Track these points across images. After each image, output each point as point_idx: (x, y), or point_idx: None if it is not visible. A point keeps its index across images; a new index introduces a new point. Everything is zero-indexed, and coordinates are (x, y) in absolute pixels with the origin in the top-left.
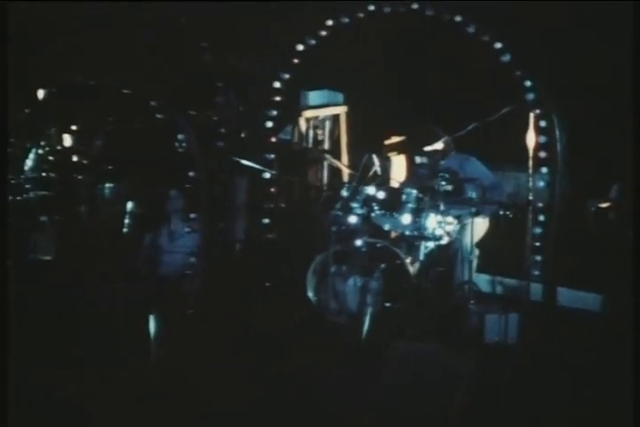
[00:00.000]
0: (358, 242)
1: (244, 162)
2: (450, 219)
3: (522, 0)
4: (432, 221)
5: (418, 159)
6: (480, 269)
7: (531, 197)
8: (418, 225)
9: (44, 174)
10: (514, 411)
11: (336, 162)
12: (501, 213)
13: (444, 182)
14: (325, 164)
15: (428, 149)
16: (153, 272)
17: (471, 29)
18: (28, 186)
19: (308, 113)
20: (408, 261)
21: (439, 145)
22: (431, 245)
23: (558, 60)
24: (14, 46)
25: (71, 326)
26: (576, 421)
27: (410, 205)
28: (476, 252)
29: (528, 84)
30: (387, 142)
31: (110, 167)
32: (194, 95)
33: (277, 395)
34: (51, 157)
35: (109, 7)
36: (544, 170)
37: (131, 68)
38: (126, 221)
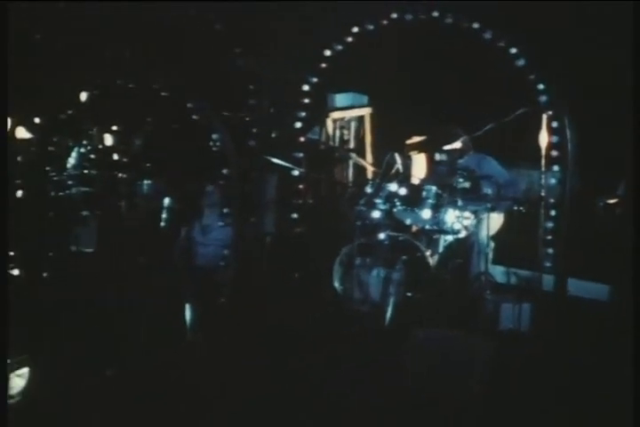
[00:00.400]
0: (381, 235)
1: (275, 160)
2: (467, 214)
3: (536, 7)
4: (450, 216)
5: (437, 158)
6: (495, 261)
7: (543, 194)
8: (437, 220)
9: (86, 172)
10: (526, 394)
11: (361, 160)
12: (515, 208)
13: (461, 180)
14: (351, 162)
15: (447, 148)
16: (188, 263)
17: (487, 36)
18: (70, 182)
19: (335, 114)
20: (428, 253)
21: (457, 144)
22: (450, 238)
23: (570, 64)
24: (57, 50)
25: (110, 314)
26: (583, 402)
27: (430, 201)
28: (492, 245)
29: (541, 87)
30: (408, 142)
31: (149, 165)
32: (228, 97)
33: (305, 379)
34: (92, 156)
35: (151, 14)
36: (555, 168)
37: (168, 72)
38: (163, 215)
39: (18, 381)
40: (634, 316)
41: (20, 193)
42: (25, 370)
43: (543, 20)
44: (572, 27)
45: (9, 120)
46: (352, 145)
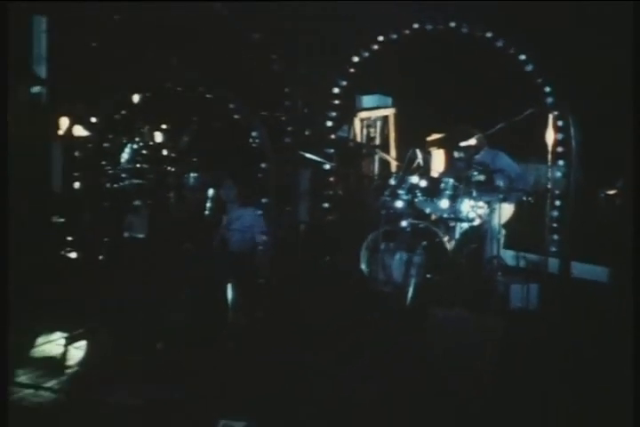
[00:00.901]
0: (404, 223)
1: (308, 155)
2: (481, 204)
3: (543, 19)
4: (466, 206)
5: (455, 153)
6: (506, 246)
7: (549, 186)
8: (454, 209)
9: (138, 166)
10: (533, 365)
11: (385, 155)
12: (524, 199)
13: (476, 173)
14: (376, 157)
15: (463, 144)
16: (230, 248)
17: (499, 44)
18: (124, 175)
19: (362, 114)
20: (446, 239)
21: (473, 141)
22: (465, 225)
23: (573, 68)
24: (113, 56)
25: (158, 293)
26: (585, 372)
27: (447, 192)
28: (503, 231)
29: (547, 89)
30: (428, 139)
31: (194, 160)
32: (265, 99)
33: (335, 351)
34: (144, 151)
35: (197, 26)
36: (561, 162)
37: (212, 77)
38: (207, 205)
39: (76, 352)
40: (632, 295)
41: (77, 185)
42: (82, 343)
43: (549, 29)
44: (576, 35)
45: (67, 119)
46: (377, 142)
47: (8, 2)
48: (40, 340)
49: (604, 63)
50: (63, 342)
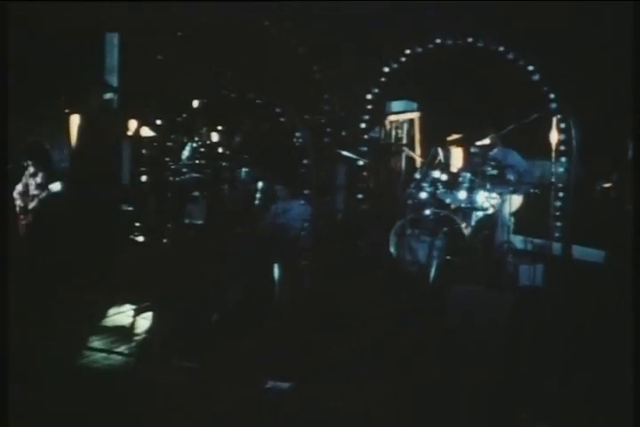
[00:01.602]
0: (427, 212)
1: (344, 153)
2: (494, 195)
3: (549, 35)
4: (481, 197)
5: (472, 151)
6: (515, 232)
7: (553, 180)
8: (470, 199)
9: (197, 162)
10: (540, 333)
11: (411, 153)
12: (532, 191)
13: (490, 168)
14: (403, 154)
15: (479, 143)
16: (277, 233)
17: (510, 56)
18: (185, 170)
19: (391, 117)
20: (463, 226)
21: (487, 141)
22: (480, 214)
23: (575, 78)
24: (176, 66)
25: (215, 273)
26: (585, 339)
27: (465, 185)
28: (513, 219)
29: (552, 96)
30: (448, 139)
31: (246, 156)
32: (308, 104)
33: (368, 319)
34: (202, 149)
35: (247, 40)
36: (563, 159)
37: (261, 84)
38: (257, 195)
39: (143, 322)
40: (630, 275)
41: (144, 178)
42: (148, 313)
43: (554, 44)
44: (576, 50)
45: (135, 122)
46: (404, 141)
47: (8, 2)
48: (112, 311)
49: (603, 73)
50: (132, 313)
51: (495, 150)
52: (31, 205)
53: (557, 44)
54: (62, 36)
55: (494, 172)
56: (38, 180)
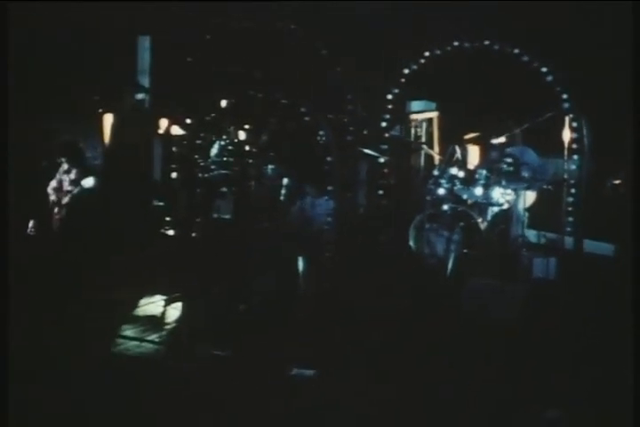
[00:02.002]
0: (445, 207)
1: (366, 151)
2: (509, 191)
3: (563, 38)
4: (496, 193)
5: (489, 148)
6: (529, 226)
7: (566, 176)
8: (486, 195)
9: (225, 159)
10: (552, 321)
11: (430, 151)
12: (545, 187)
13: (505, 166)
14: (422, 152)
15: (495, 141)
16: (301, 228)
17: (525, 58)
18: (213, 167)
19: (411, 116)
20: (480, 220)
21: (503, 139)
22: (496, 209)
23: (587, 79)
24: (205, 70)
25: (243, 264)
26: (592, 324)
27: (481, 182)
28: (527, 214)
29: (565, 96)
30: (465, 137)
31: (272, 154)
32: (331, 104)
33: (383, 310)
34: (230, 147)
35: (274, 44)
36: (575, 157)
37: (287, 86)
38: (283, 191)
39: (173, 312)
40: (632, 267)
41: (174, 175)
42: (178, 304)
43: (567, 47)
44: (589, 52)
45: (166, 121)
46: (423, 139)
47: (8, 2)
48: (143, 301)
49: (614, 73)
50: (162, 303)
51: (513, 148)
52: (64, 201)
53: (570, 48)
54: (97, 40)
55: (511, 168)
56: (72, 176)
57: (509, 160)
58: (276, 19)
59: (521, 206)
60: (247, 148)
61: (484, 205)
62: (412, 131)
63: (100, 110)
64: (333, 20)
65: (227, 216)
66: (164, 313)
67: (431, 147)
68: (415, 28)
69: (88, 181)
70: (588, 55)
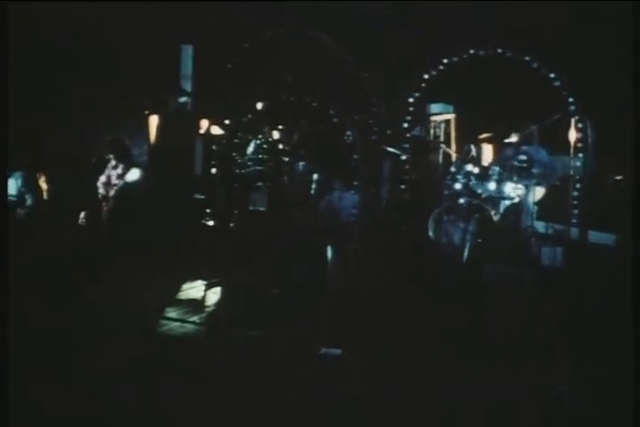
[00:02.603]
0: (461, 200)
1: (389, 149)
2: (520, 186)
3: (570, 46)
4: (509, 188)
5: (503, 147)
6: (538, 218)
7: (572, 173)
8: (499, 190)
9: (260, 156)
10: (559, 305)
11: (447, 149)
12: (553, 182)
13: (517, 162)
14: (441, 151)
15: (508, 140)
16: (330, 219)
17: (535, 65)
18: (249, 164)
19: (430, 118)
20: (493, 213)
21: (515, 138)
22: (508, 203)
23: (591, 84)
24: (244, 74)
25: (278, 252)
26: (595, 307)
27: (494, 177)
28: (536, 207)
29: (571, 100)
30: (480, 137)
31: (303, 152)
32: (357, 106)
33: (404, 294)
34: (265, 146)
35: (309, 51)
36: (580, 155)
37: (317, 89)
38: (313, 186)
39: (212, 296)
40: (632, 256)
41: (214, 171)
42: (217, 288)
43: (574, 55)
44: (592, 53)
45: (206, 122)
46: (442, 139)
47: (8, 2)
48: (186, 286)
49: (614, 75)
50: (203, 287)
51: (527, 147)
52: (111, 193)
53: (577, 55)
54: (146, 49)
55: (524, 165)
56: (119, 171)
57: (524, 158)
58: (308, 29)
59: (531, 200)
60: (280, 146)
61: (496, 198)
62: (432, 131)
63: (147, 112)
64: (362, 31)
65: (261, 209)
66: (204, 297)
67: (449, 145)
68: (435, 37)
69: (132, 176)
70: (589, 57)
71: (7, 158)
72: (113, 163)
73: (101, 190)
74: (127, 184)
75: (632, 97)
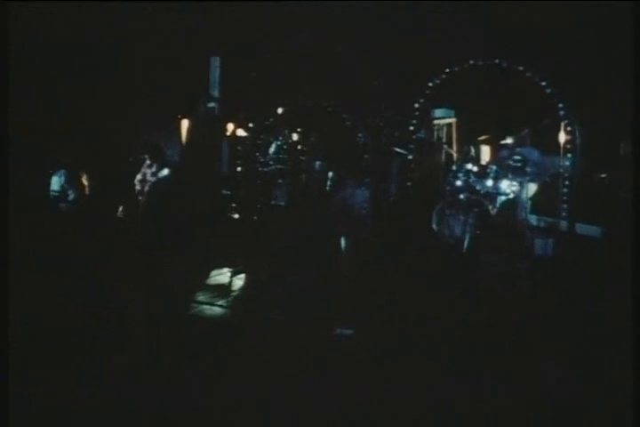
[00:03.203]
0: (461, 196)
1: (397, 149)
2: (515, 183)
3: (561, 56)
4: (504, 185)
5: (500, 148)
6: (531, 212)
7: (561, 171)
8: (496, 187)
9: (280, 156)
10: (550, 291)
11: (449, 150)
12: (545, 179)
13: (512, 162)
14: (443, 151)
15: (504, 142)
16: (344, 212)
17: (528, 74)
18: (271, 162)
19: (434, 121)
20: (490, 207)
21: (510, 140)
22: (503, 198)
23: (579, 92)
24: (268, 82)
25: (295, 241)
26: (587, 293)
27: (491, 175)
28: (529, 202)
29: (561, 105)
30: (479, 139)
31: (319, 152)
32: (369, 111)
33: (410, 279)
34: (285, 146)
35: (325, 62)
36: (569, 155)
37: (332, 95)
38: (328, 183)
39: (237, 282)
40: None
41: (239, 169)
42: (242, 275)
43: (563, 65)
44: (584, 68)
45: (232, 125)
46: (444, 140)
47: (8, 2)
48: (213, 272)
49: (603, 87)
50: (229, 274)
51: (521, 148)
52: (146, 189)
53: (566, 66)
54: (177, 60)
55: (518, 164)
56: (153, 169)
57: (518, 158)
58: (324, 42)
59: (524, 196)
60: (299, 147)
61: (493, 194)
62: (435, 133)
63: (179, 116)
64: (374, 43)
65: (282, 203)
66: (230, 282)
67: (450, 146)
68: (438, 49)
69: (165, 173)
70: (580, 75)
71: (7, 159)
72: (148, 162)
73: (137, 187)
74: (160, 181)
75: (632, 97)
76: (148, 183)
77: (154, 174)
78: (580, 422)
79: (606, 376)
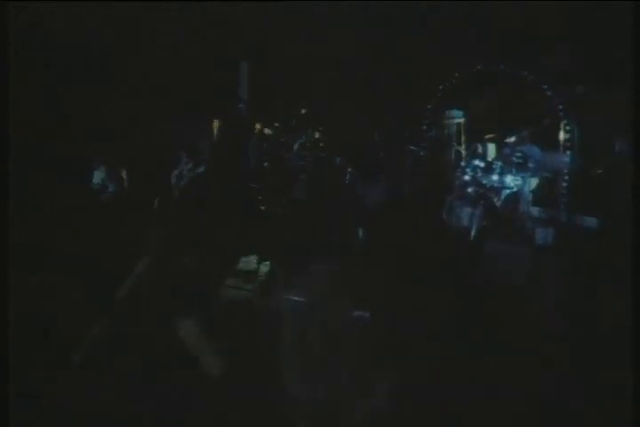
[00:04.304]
0: (469, 190)
1: (410, 147)
2: (518, 178)
3: (561, 62)
4: (509, 179)
5: (504, 146)
6: (533, 204)
7: (561, 166)
8: (501, 181)
9: (303, 153)
10: (551, 276)
11: (458, 147)
12: (546, 175)
13: (515, 158)
14: (453, 148)
15: (508, 141)
16: (361, 205)
17: (530, 78)
18: (294, 159)
19: (445, 121)
20: (495, 200)
21: (514, 138)
22: (507, 191)
23: (576, 95)
24: (293, 89)
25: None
26: (580, 276)
27: (497, 171)
28: (532, 195)
29: (560, 107)
30: (485, 137)
31: (339, 150)
32: (386, 114)
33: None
34: (307, 144)
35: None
36: (568, 152)
37: (351, 98)
38: (347, 177)
39: (263, 267)
40: (619, 237)
41: (265, 164)
42: (267, 262)
43: (562, 69)
44: (584, 68)
45: (259, 124)
46: (454, 139)
47: (8, 2)
48: (243, 259)
49: (598, 92)
50: (255, 260)
51: (523, 146)
52: (182, 183)
53: (565, 70)
54: (209, 64)
55: (520, 161)
56: (189, 166)
57: (520, 155)
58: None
59: (527, 189)
60: (320, 145)
61: (498, 188)
62: (445, 132)
63: (211, 117)
64: (389, 50)
65: (301, 197)
66: (257, 268)
67: (459, 144)
68: (449, 55)
69: (201, 170)
70: (577, 78)
71: (8, 158)
72: (185, 160)
73: (174, 181)
74: (195, 176)
75: (632, 97)
76: (185, 178)
77: (190, 171)
78: (579, 422)
79: (606, 369)
